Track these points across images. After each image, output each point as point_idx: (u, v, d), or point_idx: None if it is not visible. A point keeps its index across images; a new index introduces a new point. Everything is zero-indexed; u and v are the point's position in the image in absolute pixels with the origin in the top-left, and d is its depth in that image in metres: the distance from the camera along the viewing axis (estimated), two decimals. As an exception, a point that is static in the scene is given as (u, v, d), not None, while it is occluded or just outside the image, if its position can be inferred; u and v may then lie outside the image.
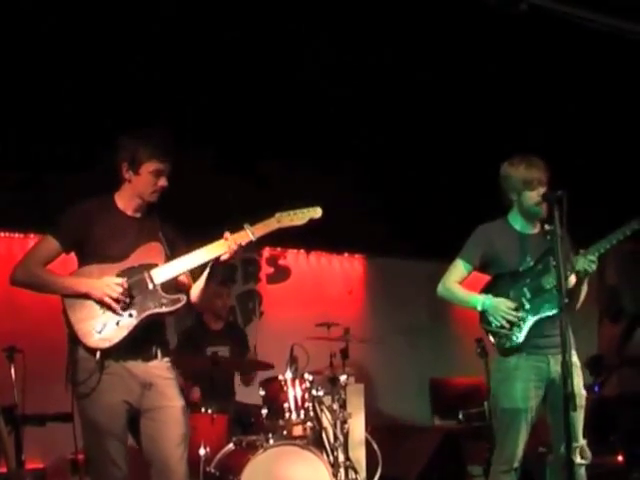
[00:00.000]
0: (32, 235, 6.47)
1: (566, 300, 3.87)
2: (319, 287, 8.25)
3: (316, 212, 3.97)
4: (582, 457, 4.19)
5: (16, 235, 6.71)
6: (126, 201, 3.97)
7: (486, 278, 4.51)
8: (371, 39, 5.83)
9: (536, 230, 4.44)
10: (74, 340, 3.78)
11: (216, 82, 6.03)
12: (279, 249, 8.00)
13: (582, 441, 4.23)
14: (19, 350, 5.39)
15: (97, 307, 3.76)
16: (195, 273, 4.02)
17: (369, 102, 6.52)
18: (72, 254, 3.96)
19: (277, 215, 3.92)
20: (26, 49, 5.39)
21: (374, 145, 7.00)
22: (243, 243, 3.84)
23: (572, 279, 4.31)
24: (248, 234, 3.85)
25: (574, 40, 5.71)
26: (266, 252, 7.97)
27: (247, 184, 6.86)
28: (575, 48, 5.84)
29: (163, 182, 3.91)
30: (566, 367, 3.70)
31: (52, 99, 5.75)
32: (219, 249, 3.84)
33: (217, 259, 3.87)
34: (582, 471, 4.21)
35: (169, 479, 3.81)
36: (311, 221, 3.96)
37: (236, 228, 3.89)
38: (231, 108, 6.26)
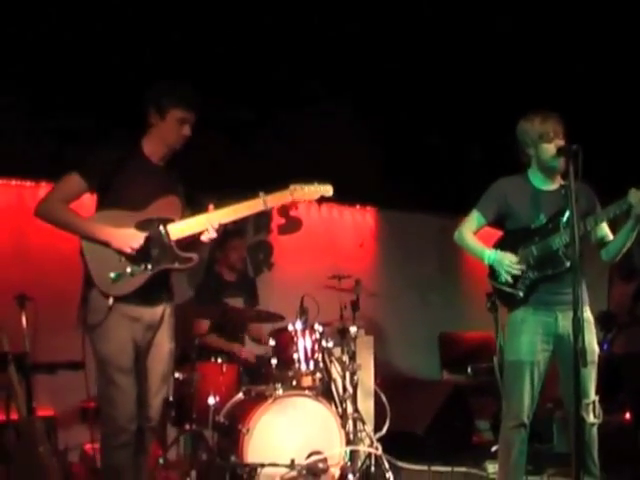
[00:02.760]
0: (44, 184, 6.42)
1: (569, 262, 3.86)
2: (330, 239, 8.23)
3: (327, 190, 4.22)
4: (594, 415, 4.15)
5: (27, 183, 6.67)
6: (153, 147, 4.10)
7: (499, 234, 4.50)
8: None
9: (555, 186, 4.38)
10: (89, 282, 3.91)
11: (219, 32, 5.96)
12: (291, 200, 7.96)
13: (593, 397, 4.17)
14: (30, 298, 5.39)
15: (115, 255, 3.89)
16: None
17: (381, 52, 6.43)
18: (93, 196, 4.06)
19: (291, 187, 4.14)
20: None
21: (388, 97, 6.93)
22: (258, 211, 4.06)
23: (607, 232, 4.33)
24: (261, 202, 4.05)
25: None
26: (278, 203, 7.93)
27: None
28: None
29: (187, 131, 4.06)
30: (577, 323, 3.67)
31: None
32: (234, 214, 4.05)
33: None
34: (594, 431, 4.16)
35: (144, 410, 4.03)
36: (322, 198, 4.21)
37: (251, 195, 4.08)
38: (240, 58, 6.20)
